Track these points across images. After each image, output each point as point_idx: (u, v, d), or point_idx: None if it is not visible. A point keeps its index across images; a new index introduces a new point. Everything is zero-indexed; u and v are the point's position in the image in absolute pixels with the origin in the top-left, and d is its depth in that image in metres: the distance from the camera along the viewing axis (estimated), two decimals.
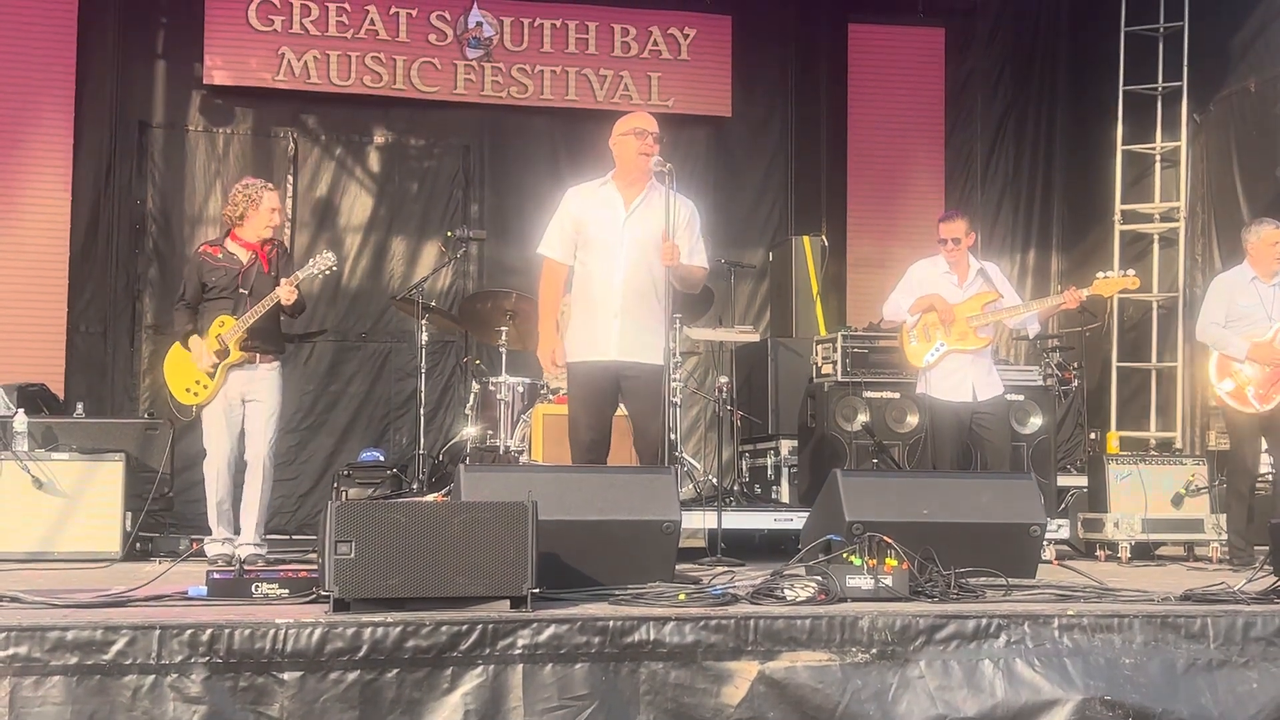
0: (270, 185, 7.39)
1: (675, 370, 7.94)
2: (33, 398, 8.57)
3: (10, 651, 3.75)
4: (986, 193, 12.01)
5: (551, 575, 4.56)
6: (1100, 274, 7.65)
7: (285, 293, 6.96)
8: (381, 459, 9.17)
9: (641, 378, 5.98)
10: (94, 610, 4.20)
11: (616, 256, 6.07)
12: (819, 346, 9.08)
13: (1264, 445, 7.75)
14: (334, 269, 7.38)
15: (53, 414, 8.46)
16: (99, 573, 6.37)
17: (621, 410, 6.22)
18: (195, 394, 7.06)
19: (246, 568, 5.01)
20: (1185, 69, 11.01)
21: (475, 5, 11.16)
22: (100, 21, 10.49)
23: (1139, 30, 11.24)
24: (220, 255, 7.18)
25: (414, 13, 11.05)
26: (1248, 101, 10.27)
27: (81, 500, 7.34)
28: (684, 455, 8.60)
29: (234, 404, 7.07)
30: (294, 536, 9.79)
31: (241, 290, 7.05)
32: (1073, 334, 10.95)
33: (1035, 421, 8.59)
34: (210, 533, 7.09)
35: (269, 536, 9.74)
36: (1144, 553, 8.48)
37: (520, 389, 8.33)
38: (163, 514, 7.95)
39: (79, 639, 3.80)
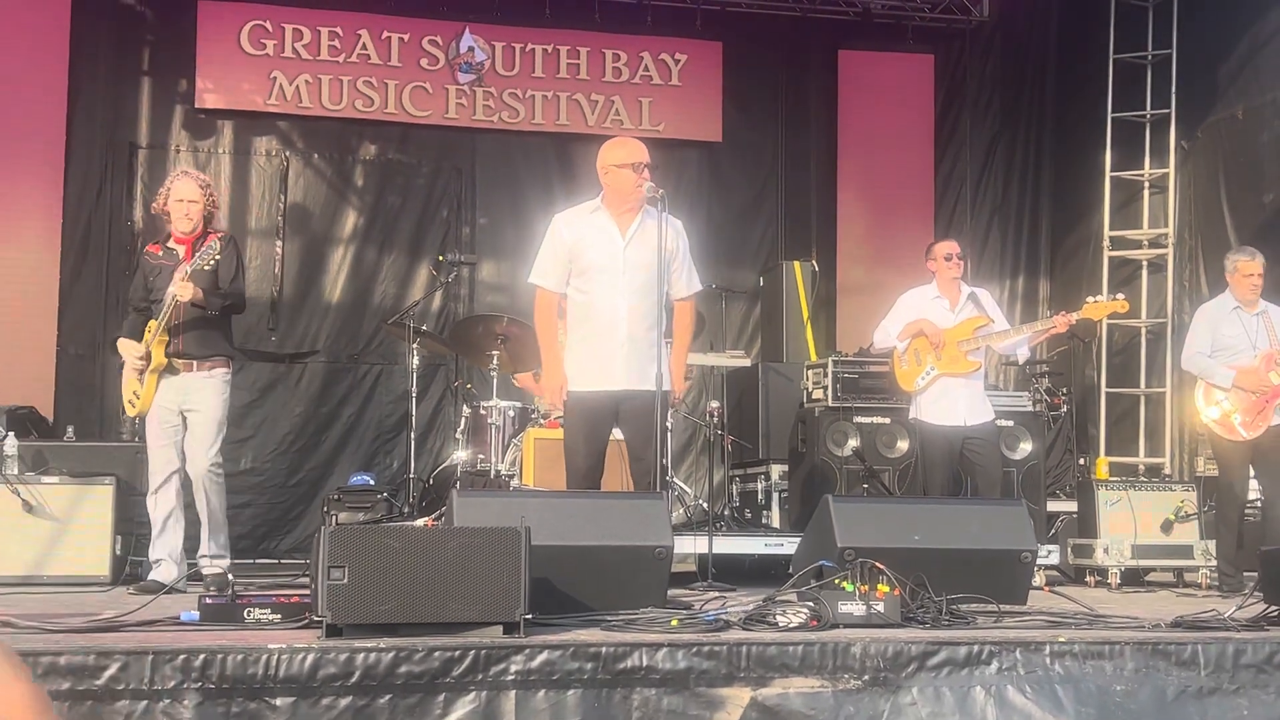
0: (187, 171, 7.08)
1: (670, 395, 7.94)
2: (22, 420, 8.55)
3: None
4: (975, 218, 12.07)
5: (544, 601, 4.56)
6: (1090, 298, 7.70)
7: (179, 289, 6.51)
8: (372, 483, 9.15)
9: (640, 404, 5.95)
10: (86, 635, 4.19)
11: (619, 284, 6.03)
12: (810, 371, 9.10)
13: (1252, 472, 7.77)
14: (217, 259, 6.65)
15: (42, 437, 8.44)
16: (90, 597, 6.34)
17: (616, 434, 6.21)
18: (133, 404, 6.79)
19: (232, 591, 4.88)
20: (1173, 96, 11.10)
21: (467, 30, 11.21)
22: (92, 43, 10.52)
23: (1127, 58, 11.33)
24: (160, 253, 6.85)
25: (406, 37, 11.09)
26: (1235, 129, 10.34)
27: (71, 524, 7.30)
28: (675, 480, 8.60)
29: (168, 414, 6.71)
30: (283, 560, 9.79)
31: (171, 289, 6.61)
32: (1061, 359, 11.01)
33: (1025, 447, 8.60)
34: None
35: (259, 560, 9.77)
36: (1134, 578, 8.49)
37: (511, 413, 8.33)
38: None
39: (71, 664, 3.79)
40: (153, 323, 6.66)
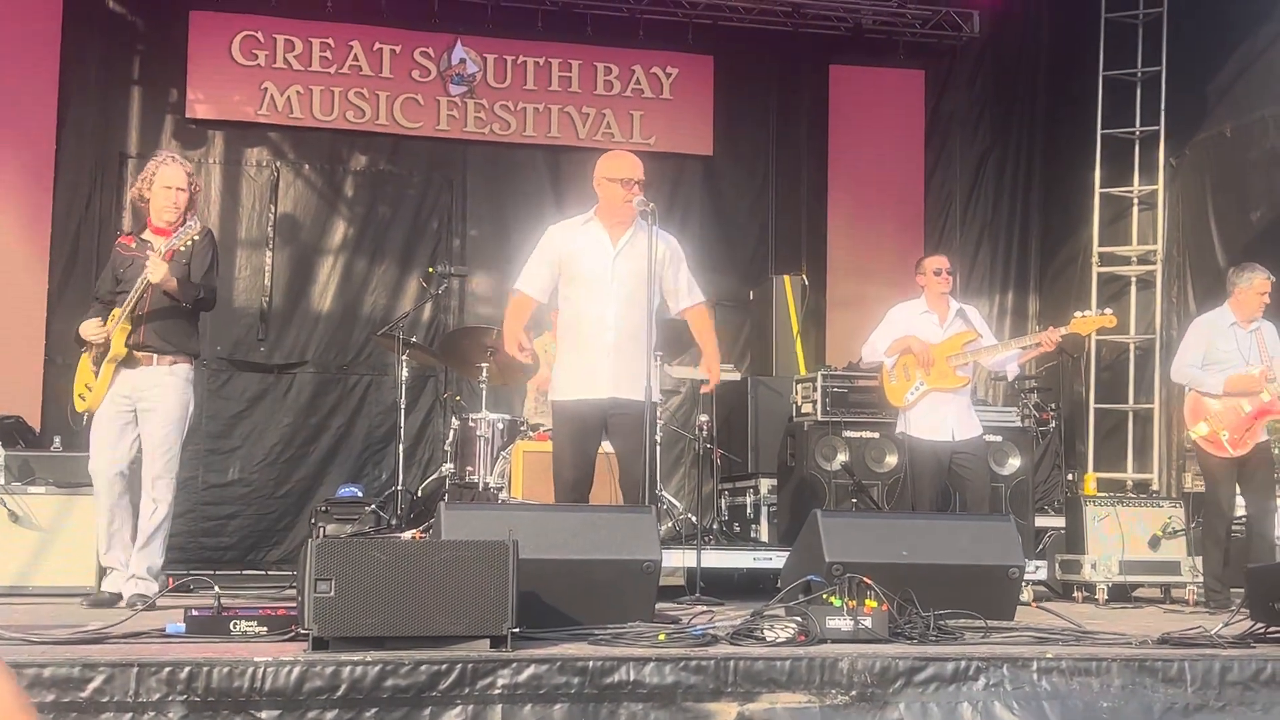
0: (174, 157, 6.53)
1: (659, 408, 7.94)
2: (9, 430, 8.53)
3: None
4: (965, 233, 12.10)
5: (531, 614, 4.55)
6: (1078, 312, 7.70)
7: (150, 267, 6.06)
8: (360, 494, 9.13)
9: (629, 415, 5.94)
10: (71, 647, 4.18)
11: (608, 294, 6.05)
12: (799, 385, 9.10)
13: (1239, 489, 7.77)
14: (194, 239, 6.29)
15: (29, 447, 8.42)
16: (75, 608, 6.30)
17: (605, 447, 6.21)
18: (84, 398, 6.33)
19: (218, 603, 4.83)
20: (1163, 113, 11.14)
21: (459, 42, 11.22)
22: (82, 53, 10.50)
23: (1117, 75, 11.37)
24: (134, 245, 6.38)
25: (397, 49, 11.10)
26: (1223, 146, 10.37)
27: (58, 534, 7.27)
28: (664, 493, 8.60)
29: (121, 408, 6.24)
30: (270, 572, 9.76)
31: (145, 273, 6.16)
32: (1050, 374, 11.02)
33: (1013, 462, 8.60)
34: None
35: (246, 572, 9.74)
36: (1121, 594, 8.50)
37: (500, 425, 8.33)
38: None
39: (56, 676, 3.78)
40: (116, 310, 6.21)
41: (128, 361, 6.26)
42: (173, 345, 6.32)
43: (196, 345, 6.51)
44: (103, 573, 7.05)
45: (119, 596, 6.17)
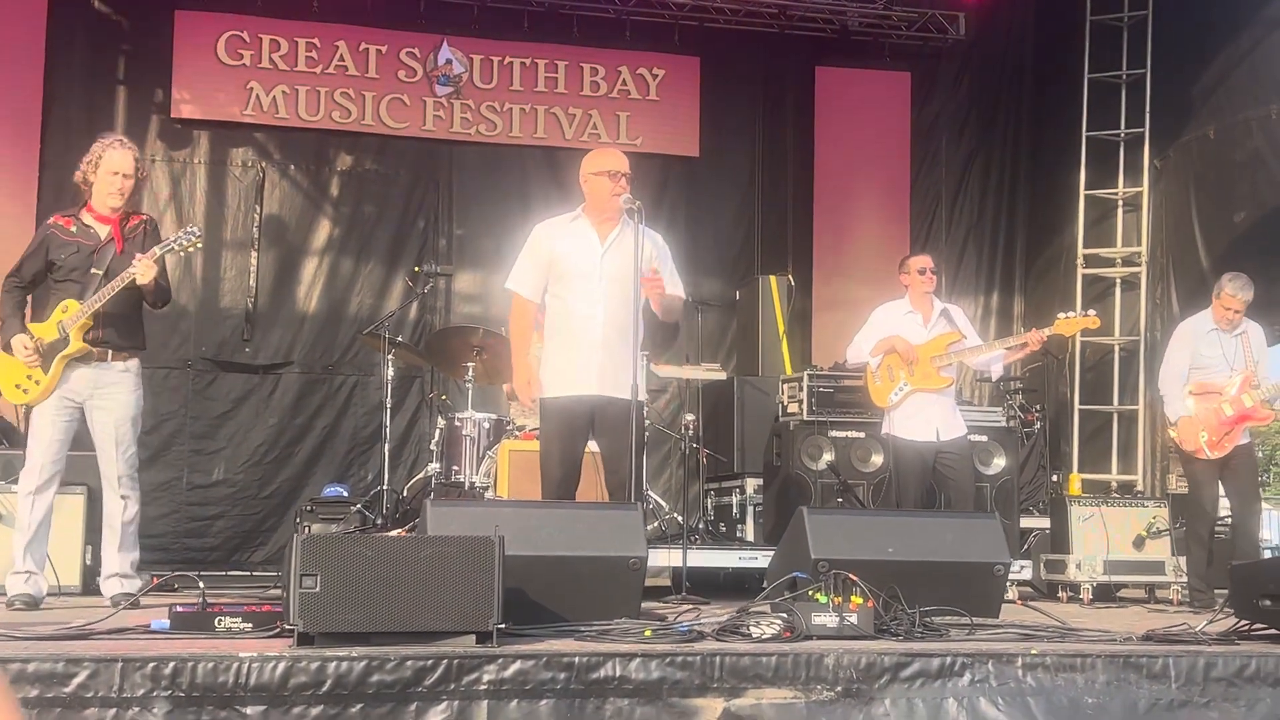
0: (122, 141, 6.35)
1: (645, 407, 7.93)
2: None
3: None
4: (951, 235, 12.12)
5: (517, 611, 4.54)
6: (1061, 314, 7.72)
7: (142, 269, 5.92)
8: (345, 494, 9.11)
9: (617, 413, 5.94)
10: (55, 642, 4.16)
11: (595, 291, 6.05)
12: (785, 385, 9.11)
13: (1222, 489, 7.79)
14: (197, 246, 6.28)
15: (12, 446, 8.37)
16: (60, 604, 6.28)
17: (590, 447, 6.21)
18: (26, 390, 6.08)
19: (203, 599, 4.77)
20: (1147, 115, 11.19)
21: (445, 43, 11.21)
22: (67, 53, 10.47)
23: (1102, 77, 11.41)
24: (74, 228, 6.17)
25: (384, 49, 11.09)
26: (1207, 148, 10.41)
27: None
28: (650, 493, 8.59)
29: (69, 405, 6.09)
30: (255, 573, 9.74)
31: (94, 270, 6.03)
32: (1035, 375, 11.05)
33: (998, 462, 8.62)
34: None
35: (231, 572, 9.71)
36: (1106, 594, 8.52)
37: (486, 425, 8.31)
38: None
39: (40, 671, 3.76)
40: (72, 303, 6.03)
41: (81, 357, 6.12)
42: (130, 341, 6.24)
43: (145, 340, 6.41)
44: (93, 572, 7.05)
45: (38, 598, 6.04)
